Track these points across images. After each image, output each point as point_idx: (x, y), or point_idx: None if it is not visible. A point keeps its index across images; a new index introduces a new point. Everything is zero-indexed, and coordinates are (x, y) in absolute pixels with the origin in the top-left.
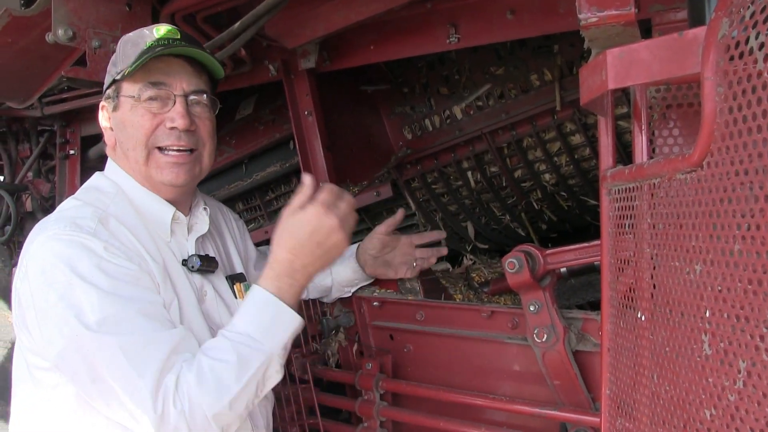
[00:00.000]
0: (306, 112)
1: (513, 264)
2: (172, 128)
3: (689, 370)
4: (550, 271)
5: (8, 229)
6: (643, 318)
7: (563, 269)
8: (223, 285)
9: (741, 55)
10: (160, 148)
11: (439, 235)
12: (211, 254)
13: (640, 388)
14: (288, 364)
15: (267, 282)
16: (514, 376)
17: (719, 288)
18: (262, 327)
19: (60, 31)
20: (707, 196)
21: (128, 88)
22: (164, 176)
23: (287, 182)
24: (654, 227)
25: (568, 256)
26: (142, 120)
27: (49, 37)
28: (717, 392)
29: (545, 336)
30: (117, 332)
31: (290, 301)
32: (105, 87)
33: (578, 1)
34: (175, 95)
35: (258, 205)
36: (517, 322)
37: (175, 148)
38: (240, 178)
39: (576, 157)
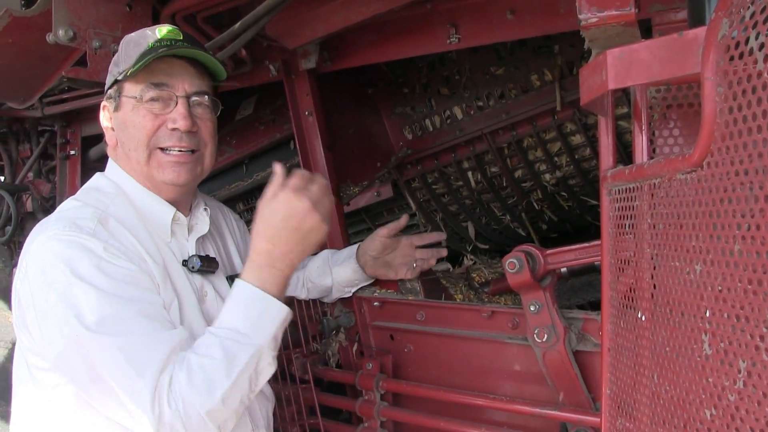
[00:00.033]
0: (306, 112)
1: (513, 264)
2: (174, 129)
3: (689, 370)
4: (551, 271)
5: (9, 229)
6: (643, 318)
7: (564, 269)
8: (224, 285)
9: (741, 56)
10: (161, 149)
11: (439, 236)
12: (212, 255)
13: (641, 388)
14: (288, 364)
15: (249, 274)
16: (514, 376)
17: (719, 288)
18: (248, 320)
19: (60, 32)
20: (707, 196)
21: (130, 89)
22: (166, 175)
23: None
24: (654, 227)
25: (568, 256)
26: (143, 121)
27: (50, 38)
28: (717, 392)
29: (546, 336)
30: (116, 333)
31: (275, 291)
32: (107, 87)
33: (578, 2)
34: (177, 96)
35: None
36: (517, 322)
37: (176, 148)
38: (240, 178)
39: (576, 157)
